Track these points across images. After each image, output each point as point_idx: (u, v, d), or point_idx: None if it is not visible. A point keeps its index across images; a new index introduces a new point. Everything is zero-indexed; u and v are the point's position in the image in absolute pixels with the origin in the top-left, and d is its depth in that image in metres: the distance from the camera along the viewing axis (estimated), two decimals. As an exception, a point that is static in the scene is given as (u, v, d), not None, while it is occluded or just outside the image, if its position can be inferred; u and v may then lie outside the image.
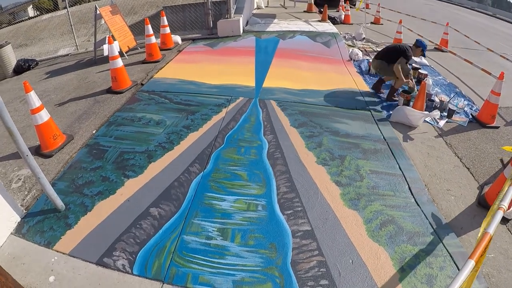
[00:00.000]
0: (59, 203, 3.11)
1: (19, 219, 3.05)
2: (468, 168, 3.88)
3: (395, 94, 5.41)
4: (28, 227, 2.97)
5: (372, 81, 6.18)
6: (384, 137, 4.34)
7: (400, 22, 8.66)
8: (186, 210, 3.11)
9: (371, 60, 6.22)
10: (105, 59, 6.92)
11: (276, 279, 2.49)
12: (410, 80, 5.31)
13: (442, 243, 2.83)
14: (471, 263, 1.82)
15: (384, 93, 5.67)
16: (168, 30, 8.20)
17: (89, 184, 3.48)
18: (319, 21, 11.62)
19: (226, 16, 9.32)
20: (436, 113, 4.58)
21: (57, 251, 2.73)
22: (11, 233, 2.91)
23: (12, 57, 7.73)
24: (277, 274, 2.53)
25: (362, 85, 6.05)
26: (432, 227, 2.99)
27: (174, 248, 2.72)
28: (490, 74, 5.87)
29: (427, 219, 3.08)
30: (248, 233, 2.87)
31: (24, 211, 3.15)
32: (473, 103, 5.54)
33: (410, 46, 5.23)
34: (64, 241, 2.82)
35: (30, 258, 2.68)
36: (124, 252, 2.70)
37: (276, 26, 10.59)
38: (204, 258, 2.64)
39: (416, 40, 5.26)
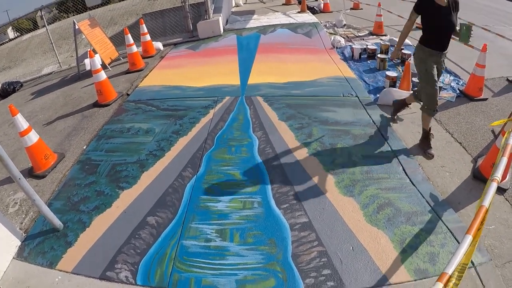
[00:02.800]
0: (57, 222, 3.11)
1: (19, 243, 3.04)
2: (460, 143, 3.90)
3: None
4: (29, 250, 2.97)
5: (356, 67, 6.20)
6: (373, 121, 4.36)
7: (379, 5, 8.64)
8: (183, 215, 3.11)
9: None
10: (89, 74, 6.86)
11: (278, 274, 2.50)
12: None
13: (441, 220, 2.84)
14: (469, 238, 1.83)
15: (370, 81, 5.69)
16: (148, 37, 8.17)
17: (84, 200, 3.47)
18: (299, 12, 11.60)
19: (205, 17, 9.29)
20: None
21: (60, 270, 2.73)
22: (13, 258, 2.91)
23: (-4, 82, 7.67)
24: (279, 269, 2.54)
25: (347, 71, 6.05)
26: (429, 205, 3.01)
27: (175, 254, 2.73)
28: (473, 47, 5.89)
29: (423, 198, 3.09)
30: (247, 231, 2.88)
31: (24, 234, 3.14)
32: (459, 78, 5.56)
33: None
34: (66, 260, 2.82)
35: (35, 280, 2.68)
36: (126, 264, 2.70)
37: (256, 21, 10.55)
38: (205, 261, 2.65)
39: None
